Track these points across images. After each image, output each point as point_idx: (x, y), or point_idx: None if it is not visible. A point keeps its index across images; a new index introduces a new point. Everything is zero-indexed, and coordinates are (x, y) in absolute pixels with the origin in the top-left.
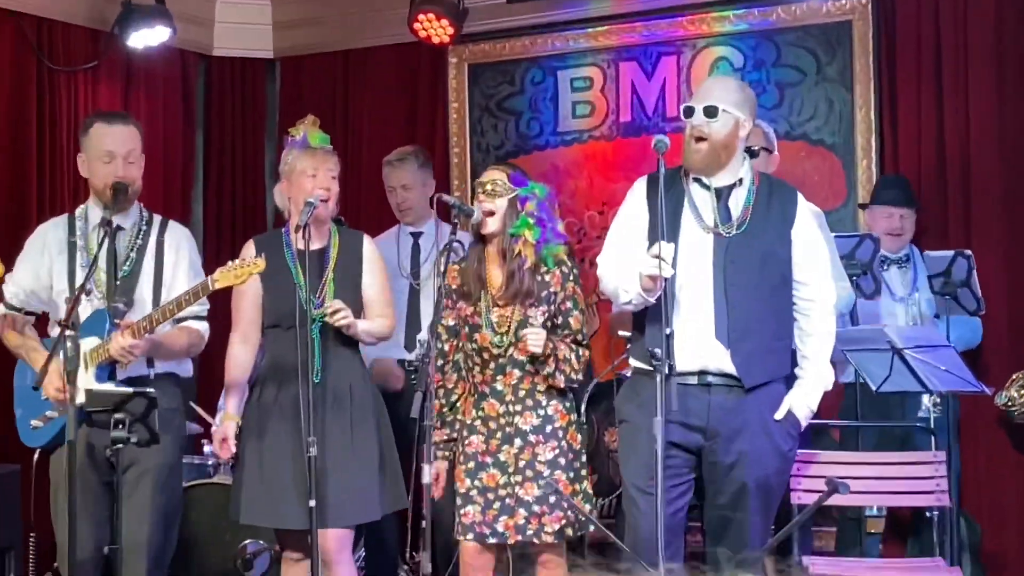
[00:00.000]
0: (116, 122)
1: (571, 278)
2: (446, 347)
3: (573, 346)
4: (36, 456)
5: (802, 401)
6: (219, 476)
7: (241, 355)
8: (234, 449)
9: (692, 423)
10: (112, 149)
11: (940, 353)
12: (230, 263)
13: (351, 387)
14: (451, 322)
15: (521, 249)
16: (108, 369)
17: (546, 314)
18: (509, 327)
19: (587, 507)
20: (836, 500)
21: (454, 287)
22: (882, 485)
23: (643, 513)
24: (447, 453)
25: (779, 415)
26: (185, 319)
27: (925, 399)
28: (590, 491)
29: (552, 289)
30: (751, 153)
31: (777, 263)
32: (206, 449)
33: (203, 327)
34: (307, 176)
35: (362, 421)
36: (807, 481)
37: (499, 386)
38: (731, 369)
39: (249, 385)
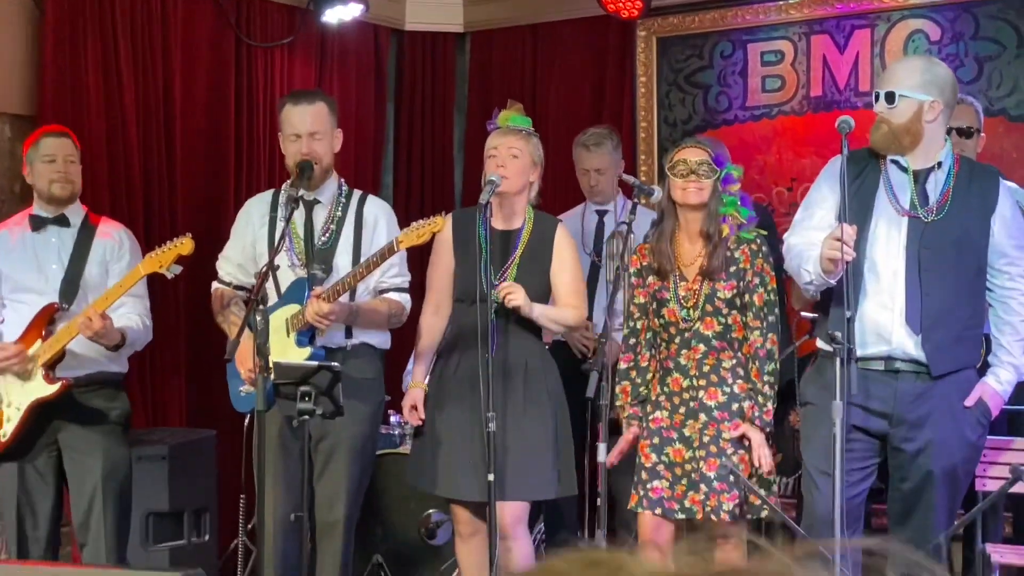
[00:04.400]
0: (301, 102)
1: (760, 254)
2: (639, 325)
3: (767, 388)
4: (247, 420)
5: (994, 389)
6: (405, 446)
7: (432, 324)
8: (423, 416)
9: (876, 408)
10: (298, 128)
11: None
12: (413, 224)
13: (526, 364)
14: (642, 300)
15: (726, 229)
16: (308, 335)
17: (734, 290)
18: (697, 301)
19: (763, 491)
20: (1020, 487)
21: (644, 264)
22: None
23: (822, 495)
24: (642, 424)
25: (969, 402)
26: (387, 290)
27: None
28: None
29: (741, 265)
30: (965, 133)
31: (974, 250)
32: (392, 419)
33: (404, 298)
34: (489, 156)
35: (536, 400)
36: (994, 468)
37: (683, 360)
38: (919, 355)
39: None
